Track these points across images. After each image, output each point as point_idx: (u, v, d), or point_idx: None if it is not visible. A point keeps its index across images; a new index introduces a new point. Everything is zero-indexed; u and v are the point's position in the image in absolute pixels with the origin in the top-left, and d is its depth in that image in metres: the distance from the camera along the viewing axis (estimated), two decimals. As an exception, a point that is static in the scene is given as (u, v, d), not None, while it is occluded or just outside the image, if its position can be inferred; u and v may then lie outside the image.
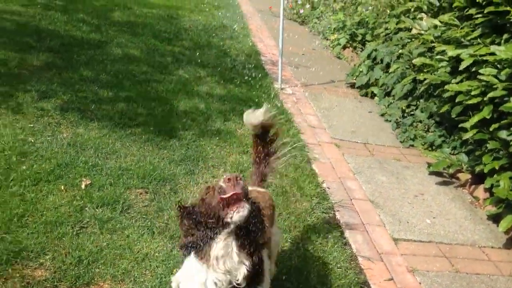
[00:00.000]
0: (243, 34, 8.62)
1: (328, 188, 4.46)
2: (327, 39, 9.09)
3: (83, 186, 3.62)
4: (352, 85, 7.12)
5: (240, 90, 6.11)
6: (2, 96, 4.53)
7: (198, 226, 2.06)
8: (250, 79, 6.53)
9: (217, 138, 4.82)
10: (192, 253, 2.08)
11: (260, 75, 6.77)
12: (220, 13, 9.64)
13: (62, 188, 3.53)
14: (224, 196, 1.95)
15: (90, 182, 3.67)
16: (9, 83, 4.81)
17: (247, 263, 2.04)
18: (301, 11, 10.19)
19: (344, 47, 8.39)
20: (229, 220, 1.97)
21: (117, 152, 4.18)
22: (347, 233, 3.91)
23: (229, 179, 1.97)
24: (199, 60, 6.79)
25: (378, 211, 4.27)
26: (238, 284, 2.05)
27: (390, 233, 4.01)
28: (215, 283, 2.04)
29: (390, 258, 3.72)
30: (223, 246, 2.01)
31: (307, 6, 10.18)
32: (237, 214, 1.95)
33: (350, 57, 8.28)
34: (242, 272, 2.04)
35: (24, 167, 3.65)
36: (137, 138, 4.46)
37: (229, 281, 2.05)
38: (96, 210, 3.42)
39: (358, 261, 3.61)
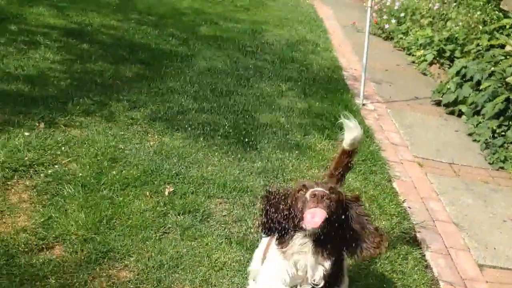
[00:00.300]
0: (326, 49, 8.60)
1: (409, 207, 4.31)
2: (412, 55, 8.84)
3: (166, 193, 3.76)
4: (438, 103, 6.86)
5: (321, 105, 6.09)
6: (98, 104, 4.84)
7: (282, 216, 2.14)
8: (331, 94, 6.50)
9: (297, 151, 4.83)
10: (274, 240, 2.16)
11: (341, 90, 6.71)
12: (303, 28, 9.69)
13: (147, 194, 3.70)
14: (305, 213, 2.01)
15: (173, 189, 3.82)
16: (104, 92, 5.13)
17: (325, 264, 2.08)
18: (386, 26, 9.99)
19: (431, 64, 8.11)
20: (303, 226, 2.04)
21: (199, 161, 4.31)
22: (428, 256, 3.76)
23: (314, 195, 2.03)
24: (281, 74, 6.86)
25: (462, 235, 4.07)
26: (315, 284, 2.08)
27: (475, 259, 3.80)
28: (286, 275, 2.10)
29: (474, 285, 3.53)
30: (300, 244, 2.08)
31: (393, 21, 9.96)
32: (310, 225, 2.01)
33: (436, 74, 7.99)
34: (319, 273, 2.08)
35: (114, 172, 3.87)
36: (219, 149, 4.58)
37: (306, 278, 2.10)
38: (178, 217, 3.54)
39: (439, 285, 3.46)
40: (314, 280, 2.10)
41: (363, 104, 6.43)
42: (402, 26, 9.79)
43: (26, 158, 3.73)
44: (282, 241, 2.13)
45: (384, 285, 3.27)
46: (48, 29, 6.47)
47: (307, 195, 2.06)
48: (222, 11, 9.62)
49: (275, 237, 2.18)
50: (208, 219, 3.59)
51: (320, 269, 2.09)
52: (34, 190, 3.47)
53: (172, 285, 2.95)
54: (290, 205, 2.13)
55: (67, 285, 2.75)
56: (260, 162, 4.48)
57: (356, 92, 6.71)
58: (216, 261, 3.19)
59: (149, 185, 3.81)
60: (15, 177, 3.55)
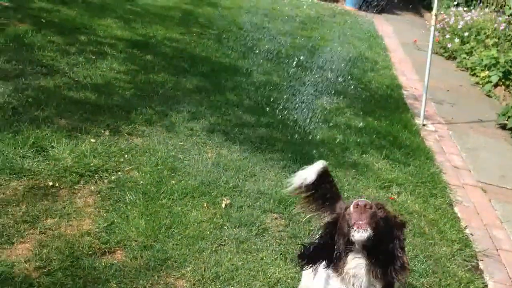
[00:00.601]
0: (385, 66, 8.48)
1: (472, 234, 4.15)
2: (476, 76, 8.56)
3: (223, 205, 3.80)
4: (503, 126, 6.59)
5: (379, 124, 5.99)
6: (159, 115, 4.97)
7: (332, 244, 2.21)
8: (390, 112, 6.38)
9: (354, 170, 4.76)
10: (328, 267, 2.21)
11: (400, 109, 6.58)
12: (362, 45, 9.60)
13: (205, 205, 3.75)
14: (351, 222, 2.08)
15: (230, 202, 3.85)
16: (165, 103, 5.27)
17: (377, 286, 2.13)
18: (449, 45, 9.73)
19: (496, 85, 7.82)
20: (352, 238, 2.09)
21: (256, 175, 4.33)
22: (491, 286, 3.61)
23: (357, 205, 2.10)
24: (339, 91, 6.81)
25: (529, 267, 3.86)
26: None
27: (543, 294, 3.59)
28: None
29: (541, 321, 3.33)
30: (354, 265, 2.14)
31: (456, 40, 9.70)
32: (358, 233, 2.06)
33: (502, 96, 7.69)
34: None
35: (173, 182, 3.95)
36: (275, 164, 4.58)
37: None
38: (234, 229, 3.56)
39: (503, 319, 3.28)
40: None
41: (424, 125, 6.27)
42: (465, 45, 9.51)
43: (92, 164, 3.87)
44: (337, 266, 2.18)
45: (445, 314, 3.15)
46: (115, 41, 6.74)
47: (351, 207, 2.12)
48: (281, 26, 9.69)
49: (329, 264, 2.21)
50: (264, 234, 3.59)
51: None
52: (99, 195, 3.59)
53: (227, 298, 2.96)
54: (339, 226, 2.19)
55: (127, 290, 2.82)
56: (316, 179, 4.44)
57: (416, 112, 6.56)
58: (271, 277, 3.18)
59: (207, 196, 3.86)
60: (81, 182, 3.70)
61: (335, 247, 2.19)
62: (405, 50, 9.88)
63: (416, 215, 4.23)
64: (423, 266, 3.59)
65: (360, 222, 2.06)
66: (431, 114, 6.76)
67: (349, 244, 2.13)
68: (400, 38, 10.71)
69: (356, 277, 2.13)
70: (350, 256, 2.15)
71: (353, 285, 2.14)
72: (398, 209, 4.25)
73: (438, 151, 5.60)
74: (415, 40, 10.35)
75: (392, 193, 4.51)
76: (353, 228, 2.08)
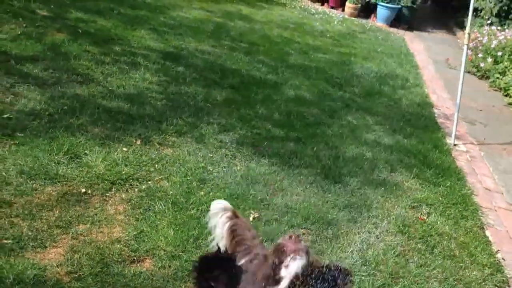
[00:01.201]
0: (416, 84, 8.41)
1: (503, 259, 4.05)
2: (509, 96, 8.41)
3: (251, 218, 3.80)
4: (537, 149, 6.44)
5: (409, 142, 5.93)
6: (189, 126, 5.02)
7: None
8: (420, 131, 6.31)
9: (383, 188, 4.71)
10: None
11: (431, 128, 6.50)
12: (393, 62, 9.55)
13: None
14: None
15: (257, 215, 3.85)
16: (196, 115, 5.33)
17: None
18: (482, 64, 9.60)
19: (530, 106, 7.66)
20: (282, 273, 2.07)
21: (284, 189, 4.33)
22: (523, 314, 3.49)
23: (290, 236, 2.15)
24: (368, 108, 6.78)
25: None
26: None
27: None
28: None
29: None
30: None
31: (489, 59, 9.56)
32: (293, 262, 2.06)
33: (536, 117, 7.53)
34: None
35: (202, 193, 3.98)
36: (303, 179, 4.57)
37: None
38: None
39: None
40: None
41: (455, 144, 6.17)
42: (499, 65, 9.36)
43: (123, 172, 3.94)
44: None
45: None
46: (148, 51, 6.86)
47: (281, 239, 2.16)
48: (311, 41, 9.73)
49: None
50: (291, 249, 3.57)
51: None
52: (129, 203, 3.65)
53: (253, 312, 2.95)
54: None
55: (154, 300, 2.84)
56: (344, 196, 4.42)
57: (447, 131, 6.47)
58: (297, 293, 3.15)
59: (235, 208, 3.86)
60: (113, 189, 3.76)
61: None
62: (436, 68, 9.78)
63: (446, 237, 4.16)
64: (452, 290, 3.53)
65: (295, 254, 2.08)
66: (463, 134, 6.66)
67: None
68: (432, 55, 10.62)
69: None
70: None
71: None
72: (428, 230, 4.18)
73: (469, 172, 5.50)
74: (448, 59, 10.24)
75: (421, 214, 4.44)
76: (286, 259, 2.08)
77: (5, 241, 3.02)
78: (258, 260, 2.31)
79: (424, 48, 11.12)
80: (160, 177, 4.05)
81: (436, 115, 7.14)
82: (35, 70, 5.37)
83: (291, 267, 2.04)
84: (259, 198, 4.09)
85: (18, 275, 2.76)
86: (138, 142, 4.48)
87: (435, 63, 10.11)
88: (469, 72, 9.53)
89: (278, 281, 2.06)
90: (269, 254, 2.22)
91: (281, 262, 2.08)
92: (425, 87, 8.35)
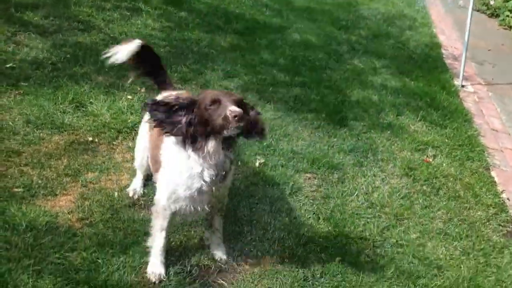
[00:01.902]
0: (424, 24, 8.20)
1: (508, 199, 4.09)
2: (520, 35, 8.21)
3: (257, 164, 3.83)
4: (547, 89, 6.35)
5: (416, 84, 5.86)
6: (194, 72, 4.98)
7: (196, 126, 2.47)
8: (428, 73, 6.22)
9: (389, 131, 4.71)
10: (187, 146, 2.51)
11: (439, 69, 6.40)
12: (400, 2, 9.28)
13: (239, 164, 3.78)
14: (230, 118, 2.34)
15: (263, 161, 3.88)
16: (200, 61, 5.27)
17: (231, 156, 2.58)
18: (492, 2, 9.31)
19: (541, 45, 7.48)
20: (225, 133, 2.41)
21: (290, 135, 4.33)
22: (526, 252, 3.56)
23: (236, 116, 2.33)
24: (375, 50, 6.66)
25: None
26: (223, 175, 2.57)
27: None
28: (207, 173, 2.52)
29: None
30: (215, 145, 2.47)
31: (500, -3, 9.27)
32: (230, 131, 2.39)
33: (546, 57, 7.37)
34: (227, 163, 2.57)
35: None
36: (309, 124, 4.57)
37: (216, 173, 2.54)
38: (267, 188, 3.60)
39: (537, 284, 3.26)
40: (224, 171, 2.57)
41: (463, 86, 6.10)
42: (509, 2, 9.07)
43: (129, 120, 3.94)
44: (198, 147, 2.48)
45: (478, 278, 3.15)
46: (150, -4, 6.69)
47: (229, 115, 2.34)
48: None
49: (188, 145, 2.50)
50: (297, 193, 3.63)
51: (227, 160, 2.57)
52: (136, 151, 3.68)
53: (260, 254, 3.02)
54: (205, 114, 2.43)
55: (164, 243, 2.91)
56: (350, 140, 4.43)
57: (455, 72, 6.38)
58: (303, 236, 3.22)
59: (241, 155, 3.89)
60: (119, 137, 3.78)
61: (192, 129, 2.47)
62: (445, 7, 9.51)
63: (451, 179, 4.19)
64: (457, 230, 3.58)
65: (234, 125, 2.35)
66: (471, 75, 6.56)
67: (213, 133, 2.44)
68: (441, -5, 10.28)
69: (214, 154, 2.48)
70: (210, 140, 2.46)
71: (211, 160, 2.49)
72: (433, 172, 4.21)
73: (476, 113, 5.47)
74: (456, -3, 9.92)
75: (427, 156, 4.45)
76: (227, 127, 2.37)
77: (16, 190, 3.07)
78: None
79: (433, -13, 10.76)
80: (166, 124, 4.05)
81: (444, 56, 7.02)
82: (35, 18, 5.28)
83: (227, 133, 2.42)
84: (265, 144, 4.09)
85: (30, 222, 2.83)
86: (143, 89, 4.46)
87: (444, 3, 9.82)
88: (478, 11, 9.25)
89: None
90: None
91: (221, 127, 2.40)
92: (433, 27, 8.16)
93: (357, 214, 3.54)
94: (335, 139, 4.40)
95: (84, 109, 4.00)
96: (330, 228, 3.35)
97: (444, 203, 3.86)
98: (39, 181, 3.18)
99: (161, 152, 2.70)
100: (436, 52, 7.11)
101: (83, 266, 2.66)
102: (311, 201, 3.58)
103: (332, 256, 3.10)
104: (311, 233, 3.26)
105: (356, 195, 3.74)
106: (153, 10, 6.23)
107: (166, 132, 2.49)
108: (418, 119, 5.02)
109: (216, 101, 2.43)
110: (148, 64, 3.15)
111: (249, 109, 2.59)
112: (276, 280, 2.85)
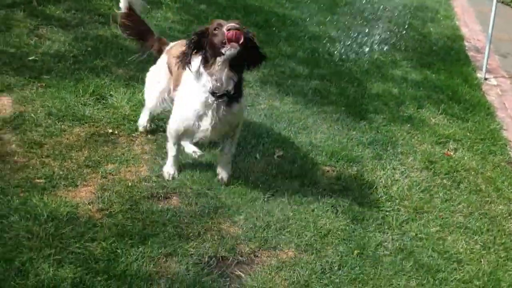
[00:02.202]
0: (446, 16, 8.06)
1: (531, 194, 4.01)
2: (546, 27, 8.00)
3: (275, 157, 3.83)
4: None
5: (437, 77, 5.78)
6: (213, 65, 4.98)
7: (207, 48, 3.00)
8: (450, 65, 6.12)
9: (409, 125, 4.65)
10: (200, 65, 3.04)
11: (461, 62, 6.30)
12: (422, -6, 9.13)
13: (257, 156, 3.79)
14: (227, 37, 2.83)
15: (282, 153, 3.87)
16: (219, 53, 5.26)
17: (235, 78, 3.03)
18: (517, -7, 9.10)
19: None
20: (223, 52, 2.88)
21: (308, 128, 4.31)
22: (549, 248, 3.49)
23: (230, 28, 2.82)
24: (395, 42, 6.57)
25: None
26: (228, 92, 3.04)
27: None
28: (210, 84, 3.02)
29: None
30: (220, 65, 2.96)
31: (525, -13, 9.05)
32: (229, 51, 2.86)
33: None
34: (231, 84, 3.03)
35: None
36: (328, 116, 4.54)
37: (223, 89, 3.03)
38: (286, 181, 3.59)
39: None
40: (228, 89, 3.03)
41: (485, 79, 5.99)
42: (536, -6, 8.86)
43: (149, 112, 3.97)
44: (207, 64, 3.00)
45: (498, 272, 3.11)
46: (169, -10, 6.71)
47: (224, 29, 2.84)
48: (337, -26, 9.33)
49: (201, 62, 3.03)
50: (315, 186, 3.61)
51: (231, 82, 3.02)
52: (155, 143, 3.71)
53: (278, 246, 3.03)
54: (212, 38, 2.93)
55: (183, 234, 2.93)
56: (369, 133, 4.39)
57: (478, 65, 6.27)
58: (321, 228, 3.22)
59: (259, 147, 3.89)
60: (139, 130, 3.81)
61: (205, 52, 3.00)
62: (469, 0, 9.33)
63: (473, 172, 4.12)
64: (477, 224, 3.53)
65: (233, 43, 2.83)
66: (494, 68, 6.43)
67: (219, 54, 2.91)
68: (464, -15, 10.09)
69: (220, 72, 2.97)
70: (218, 60, 2.95)
71: (218, 78, 2.99)
72: (454, 165, 4.15)
73: (499, 107, 5.36)
74: (480, -12, 9.72)
75: (448, 149, 4.39)
76: (226, 46, 2.85)
77: (38, 180, 3.13)
78: None
79: (456, -22, 10.56)
80: (185, 116, 4.07)
81: (466, 48, 6.90)
82: (57, 11, 5.35)
83: (227, 54, 2.89)
84: (283, 136, 4.09)
85: (52, 212, 2.88)
86: (162, 82, 4.48)
87: (467, -6, 9.62)
88: (502, 2, 9.04)
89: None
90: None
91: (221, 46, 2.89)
92: (456, 20, 8.02)
93: (376, 207, 3.52)
94: (354, 132, 4.37)
95: (104, 101, 4.04)
96: (348, 220, 3.33)
97: (465, 196, 3.80)
98: (60, 172, 3.23)
99: (181, 80, 3.22)
100: (459, 44, 6.99)
101: (103, 256, 2.70)
102: (330, 193, 3.56)
103: (350, 249, 3.09)
104: (329, 226, 3.25)
105: (375, 188, 3.71)
106: (173, 3, 6.25)
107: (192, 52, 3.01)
108: (439, 112, 4.95)
109: (218, 25, 2.92)
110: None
111: (248, 34, 3.00)
112: (294, 272, 2.85)
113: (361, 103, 4.88)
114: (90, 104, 3.96)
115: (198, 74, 3.04)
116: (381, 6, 7.99)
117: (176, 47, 3.45)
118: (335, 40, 6.32)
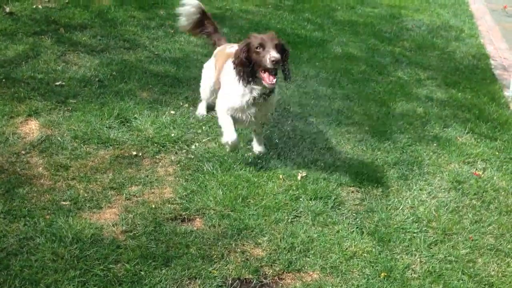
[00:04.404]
0: (471, 35, 7.98)
1: None
2: None
3: (299, 178, 3.79)
4: None
5: (463, 96, 5.69)
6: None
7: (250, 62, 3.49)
8: (476, 84, 6.03)
9: (435, 144, 4.57)
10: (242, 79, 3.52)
11: (487, 80, 6.20)
12: (446, 12, 9.09)
13: (280, 177, 3.76)
14: (271, 58, 3.35)
15: (305, 174, 3.83)
16: (242, 76, 5.30)
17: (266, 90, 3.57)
18: (544, 10, 8.98)
19: None
20: (266, 65, 3.38)
21: (332, 148, 4.28)
22: None
23: (273, 61, 3.33)
24: (420, 62, 6.53)
25: None
26: (266, 94, 3.62)
27: None
28: (256, 91, 3.56)
29: None
30: (257, 89, 3.55)
31: (552, 4, 8.93)
32: (269, 85, 3.46)
33: None
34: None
35: (249, 153, 4.00)
36: (352, 137, 4.50)
37: (262, 92, 3.57)
38: (309, 202, 3.55)
39: None
40: (266, 93, 3.59)
41: (513, 97, 5.87)
42: None
43: (172, 135, 4.01)
44: (245, 83, 3.50)
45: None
46: (193, 14, 6.83)
47: (268, 59, 3.35)
48: (359, -5, 9.38)
49: (241, 78, 3.51)
50: (340, 207, 3.56)
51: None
52: (178, 165, 3.72)
53: (303, 269, 2.98)
54: (255, 57, 3.45)
55: (206, 256, 2.91)
56: (394, 153, 4.32)
57: (505, 84, 6.16)
58: (347, 250, 3.15)
59: (282, 168, 3.87)
60: (162, 152, 3.84)
61: (249, 67, 3.47)
62: (493, 17, 9.24)
63: (503, 192, 4.01)
64: (509, 246, 3.41)
65: (272, 66, 3.37)
66: (522, 86, 6.30)
67: (261, 67, 3.42)
68: (488, 4, 10.02)
69: (256, 83, 3.51)
70: (256, 86, 3.52)
71: (254, 89, 3.54)
72: (483, 185, 4.04)
73: (528, 125, 5.23)
74: (505, 6, 9.64)
75: (477, 169, 4.29)
76: (267, 66, 3.37)
77: (64, 203, 3.16)
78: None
79: (480, -4, 10.51)
80: (208, 138, 4.09)
81: (493, 67, 6.79)
82: (83, 37, 5.49)
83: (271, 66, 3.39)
84: (306, 157, 4.06)
85: (77, 234, 2.90)
86: (186, 104, 4.53)
87: (492, 12, 9.55)
88: (529, 20, 8.95)
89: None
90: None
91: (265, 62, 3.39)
92: (480, 38, 7.93)
93: (402, 228, 3.44)
94: (379, 152, 4.31)
95: (128, 124, 4.09)
96: (374, 242, 3.26)
97: (495, 217, 3.69)
98: (85, 195, 3.27)
99: (221, 76, 3.83)
100: (484, 62, 6.90)
101: (126, 278, 2.69)
102: (354, 214, 3.50)
103: (377, 272, 3.01)
104: (354, 248, 3.18)
105: (401, 209, 3.64)
106: (196, 27, 6.35)
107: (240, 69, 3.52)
108: (466, 131, 4.86)
109: (261, 45, 3.41)
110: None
111: (286, 53, 3.61)
112: (319, 296, 2.80)
113: (385, 123, 4.83)
114: (114, 127, 4.01)
115: (244, 83, 3.51)
116: (404, 26, 7.97)
117: (221, 54, 4.10)
118: (358, 60, 6.30)
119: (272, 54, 3.31)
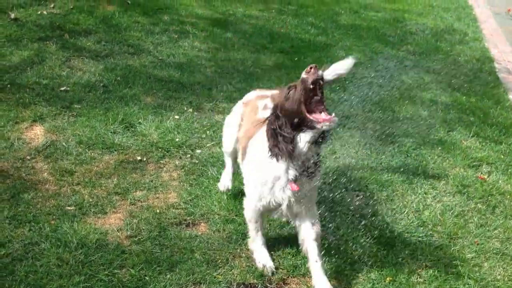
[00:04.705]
0: (475, 38, 7.97)
1: None
2: None
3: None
4: None
5: (468, 99, 5.67)
6: (239, 91, 5.00)
7: (282, 129, 2.57)
8: (480, 87, 6.01)
9: (440, 148, 4.56)
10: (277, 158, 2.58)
11: (492, 84, 6.18)
12: (449, 16, 9.08)
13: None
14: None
15: (310, 178, 3.82)
16: (245, 80, 5.32)
17: (318, 153, 2.64)
18: (548, 13, 8.96)
19: None
20: (318, 127, 2.49)
21: (337, 152, 4.27)
22: None
23: (310, 68, 2.53)
24: (424, 66, 6.52)
25: None
26: (308, 169, 2.63)
27: None
28: (292, 172, 2.61)
29: None
30: (305, 144, 2.54)
31: (556, 7, 8.90)
32: (328, 125, 2.50)
33: None
34: (313, 160, 2.63)
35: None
36: (356, 141, 4.49)
37: (303, 168, 2.62)
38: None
39: None
40: (309, 167, 2.64)
41: (518, 100, 5.85)
42: None
43: (176, 139, 4.02)
44: (290, 148, 2.53)
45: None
46: (196, 19, 6.87)
47: (303, 74, 2.55)
48: (362, -1, 9.39)
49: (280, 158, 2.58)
50: (345, 211, 3.54)
51: (314, 157, 2.64)
52: (183, 170, 3.72)
53: (307, 273, 2.94)
54: (292, 106, 2.58)
55: (211, 261, 2.91)
56: (399, 157, 4.32)
57: (510, 87, 6.15)
58: (352, 254, 3.13)
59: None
60: (167, 157, 3.85)
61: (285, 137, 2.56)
62: (497, 21, 9.23)
63: (508, 196, 3.99)
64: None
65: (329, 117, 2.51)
66: (527, 89, 6.29)
67: (308, 128, 2.54)
68: (492, 7, 10.01)
69: (305, 154, 2.58)
70: (301, 137, 2.55)
71: (301, 160, 2.60)
72: (489, 189, 4.02)
73: (534, 129, 5.20)
74: (509, 10, 9.62)
75: (482, 173, 4.27)
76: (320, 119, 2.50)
77: (68, 208, 3.17)
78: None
79: (483, 0, 10.49)
80: (212, 143, 4.10)
81: (497, 70, 6.77)
82: (88, 43, 5.52)
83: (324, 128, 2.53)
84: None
85: (81, 239, 2.90)
86: (190, 109, 4.54)
87: (496, 16, 9.53)
88: (534, 23, 8.93)
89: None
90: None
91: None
92: (484, 41, 7.92)
93: (407, 232, 3.42)
94: (383, 156, 4.30)
95: (133, 129, 4.10)
96: (379, 246, 3.24)
97: (501, 221, 3.67)
98: (90, 200, 3.27)
99: (249, 144, 2.89)
100: (489, 66, 6.88)
101: (131, 283, 2.69)
102: (359, 218, 3.49)
103: (382, 276, 2.99)
104: (359, 252, 3.17)
105: (406, 213, 3.62)
106: (199, 32, 6.39)
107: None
108: (471, 135, 4.84)
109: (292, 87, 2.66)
110: None
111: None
112: (324, 300, 2.78)
113: (389, 127, 4.82)
114: (119, 132, 4.02)
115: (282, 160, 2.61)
116: (408, 30, 7.97)
117: (252, 103, 3.25)
118: (362, 64, 6.30)
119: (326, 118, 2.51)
